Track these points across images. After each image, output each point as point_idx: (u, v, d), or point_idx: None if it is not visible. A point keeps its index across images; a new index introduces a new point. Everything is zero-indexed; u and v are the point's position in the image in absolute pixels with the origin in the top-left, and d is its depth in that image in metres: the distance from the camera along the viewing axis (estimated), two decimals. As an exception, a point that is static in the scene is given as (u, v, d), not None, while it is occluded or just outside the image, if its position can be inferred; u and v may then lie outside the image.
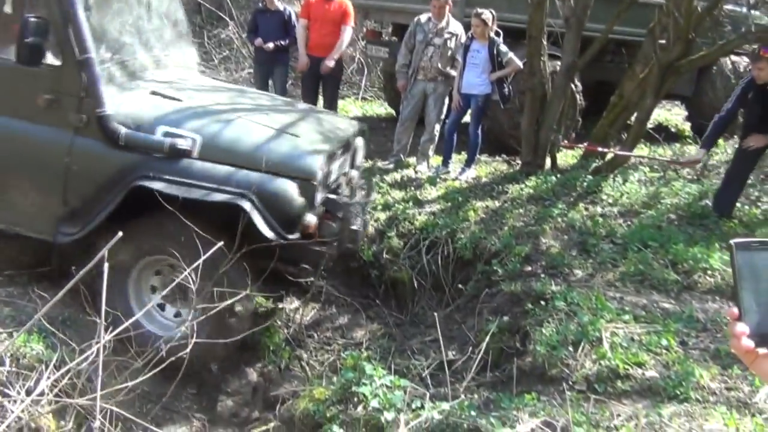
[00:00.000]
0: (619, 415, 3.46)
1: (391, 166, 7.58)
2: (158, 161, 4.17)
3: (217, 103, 4.78)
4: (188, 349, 3.46)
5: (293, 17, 8.27)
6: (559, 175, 7.16)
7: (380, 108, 11.51)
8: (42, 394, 2.94)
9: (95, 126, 4.17)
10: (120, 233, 2.73)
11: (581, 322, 4.30)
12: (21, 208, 4.40)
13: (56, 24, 4.11)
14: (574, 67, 7.39)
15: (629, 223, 6.03)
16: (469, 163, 7.60)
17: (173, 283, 3.28)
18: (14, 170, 4.35)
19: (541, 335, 4.31)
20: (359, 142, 5.34)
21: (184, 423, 4.34)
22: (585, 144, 7.89)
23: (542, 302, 4.69)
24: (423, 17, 7.50)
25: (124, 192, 4.13)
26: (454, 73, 7.48)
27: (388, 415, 3.57)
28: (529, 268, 5.31)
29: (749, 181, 6.55)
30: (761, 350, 1.25)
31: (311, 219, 4.27)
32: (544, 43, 7.22)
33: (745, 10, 9.78)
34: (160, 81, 4.73)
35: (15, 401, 3.02)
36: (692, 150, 8.91)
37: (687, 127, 11.25)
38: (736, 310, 1.27)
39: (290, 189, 4.22)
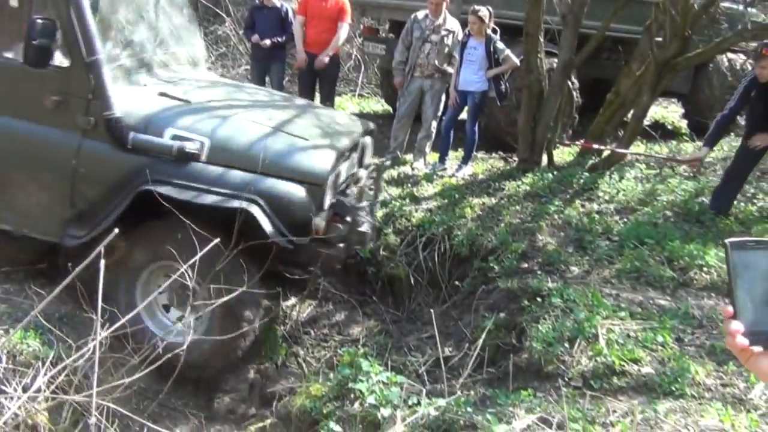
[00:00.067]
0: (614, 411, 3.47)
1: (388, 162, 7.58)
2: (166, 164, 4.14)
3: (225, 104, 4.74)
4: (183, 347, 3.45)
5: (290, 14, 8.26)
6: (555, 172, 7.16)
7: (377, 105, 11.52)
8: (38, 390, 2.94)
9: (103, 128, 4.14)
10: (116, 230, 2.73)
11: (577, 318, 4.31)
12: (28, 209, 4.38)
13: (64, 25, 4.08)
14: (570, 65, 7.39)
15: (625, 220, 6.04)
16: (465, 160, 7.61)
17: (170, 279, 3.26)
18: (22, 172, 4.34)
19: (537, 332, 4.32)
20: (367, 141, 5.33)
21: (180, 420, 4.34)
22: (582, 141, 7.88)
23: (538, 299, 4.70)
24: (420, 14, 7.51)
25: (132, 196, 4.10)
26: (451, 70, 7.48)
27: (385, 412, 3.58)
28: (526, 265, 5.32)
29: (745, 179, 6.56)
30: (756, 348, 1.26)
31: (320, 222, 4.25)
32: (541, 40, 7.21)
33: (741, 7, 9.78)
34: (169, 81, 4.71)
35: (11, 398, 3.02)
36: (689, 147, 8.94)
37: (684, 124, 11.27)
38: (731, 308, 1.28)
39: (299, 193, 4.20)
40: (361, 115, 9.75)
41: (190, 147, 4.15)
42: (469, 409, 3.52)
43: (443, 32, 7.41)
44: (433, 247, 5.91)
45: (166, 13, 5.06)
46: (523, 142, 7.41)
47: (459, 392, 3.90)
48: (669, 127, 11.63)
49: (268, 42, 8.08)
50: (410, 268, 5.86)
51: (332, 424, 3.63)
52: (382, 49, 9.60)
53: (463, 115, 7.72)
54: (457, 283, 5.69)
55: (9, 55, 4.57)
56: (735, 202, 6.26)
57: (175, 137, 4.20)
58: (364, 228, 4.69)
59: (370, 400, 3.67)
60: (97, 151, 4.22)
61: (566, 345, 4.13)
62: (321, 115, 5.27)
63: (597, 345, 4.04)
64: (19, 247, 4.66)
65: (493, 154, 8.44)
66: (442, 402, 3.59)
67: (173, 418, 4.33)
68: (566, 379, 3.90)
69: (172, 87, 4.61)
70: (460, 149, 7.87)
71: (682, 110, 11.49)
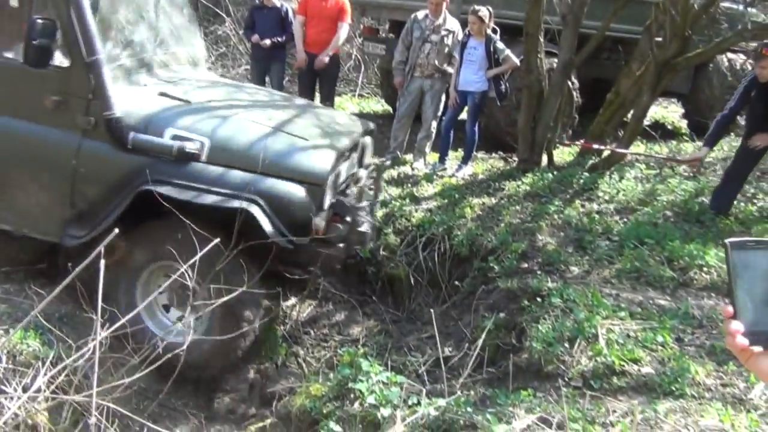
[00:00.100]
0: (614, 411, 3.47)
1: (388, 162, 7.58)
2: (166, 164, 4.13)
3: (225, 104, 4.74)
4: (183, 347, 3.45)
5: (290, 14, 8.26)
6: (555, 172, 7.17)
7: (377, 105, 11.52)
8: (38, 390, 2.94)
9: (103, 128, 4.14)
10: (116, 231, 2.73)
11: (577, 318, 4.31)
12: (28, 209, 4.38)
13: (64, 25, 4.07)
14: (571, 65, 7.39)
15: (625, 220, 6.04)
16: (465, 160, 7.61)
17: (170, 279, 3.26)
18: (22, 172, 4.33)
19: (537, 332, 4.32)
20: (367, 140, 5.33)
21: (180, 420, 4.34)
22: (581, 141, 7.88)
23: (538, 299, 4.70)
24: (420, 14, 7.51)
25: (132, 196, 4.10)
26: (451, 70, 7.48)
27: (385, 412, 3.58)
28: (526, 265, 5.32)
29: (745, 178, 6.56)
30: (756, 348, 1.26)
31: (320, 222, 4.25)
32: (541, 40, 7.21)
33: (741, 7, 9.78)
34: (169, 81, 4.71)
35: (11, 398, 3.02)
36: (689, 147, 8.94)
37: (683, 124, 11.27)
38: (731, 308, 1.28)
39: (299, 193, 4.20)
40: (361, 115, 9.75)
41: (190, 147, 4.15)
42: (469, 409, 3.52)
43: (443, 32, 7.42)
44: (433, 247, 5.91)
45: (167, 12, 5.06)
46: (523, 142, 7.41)
47: (459, 392, 3.90)
48: (669, 127, 11.63)
49: (268, 42, 8.08)
50: (410, 268, 5.86)
51: (332, 424, 3.64)
52: (382, 49, 9.60)
53: (463, 115, 7.72)
54: (457, 283, 5.69)
55: (9, 54, 4.57)
56: (735, 202, 6.26)
57: (175, 137, 4.19)
58: (364, 228, 4.68)
59: (370, 400, 3.67)
60: (97, 151, 4.21)
61: (566, 345, 4.13)
62: (321, 115, 5.27)
63: (597, 345, 4.05)
64: (19, 247, 4.66)
65: (493, 154, 8.44)
66: (442, 402, 3.59)
67: (173, 418, 4.33)
68: (566, 379, 3.90)
69: (172, 87, 4.61)
70: (460, 149, 7.88)
71: (682, 110, 11.49)
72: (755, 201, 6.51)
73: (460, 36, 7.43)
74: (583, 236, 5.64)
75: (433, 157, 7.82)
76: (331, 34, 7.91)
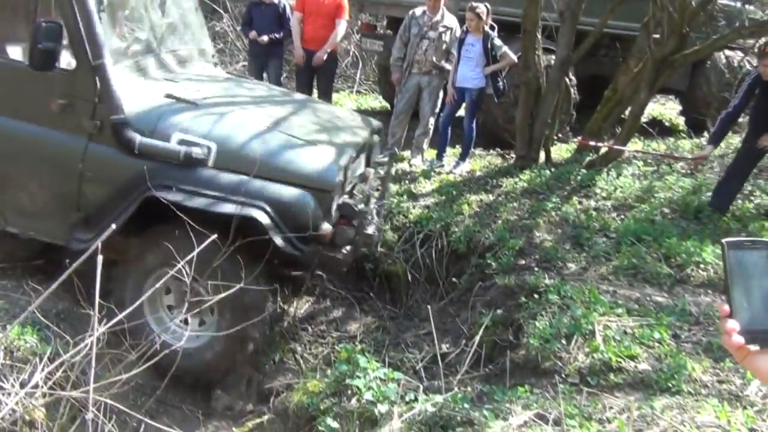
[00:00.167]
0: (611, 408, 3.48)
1: (385, 159, 7.56)
2: (173, 169, 4.10)
3: (231, 106, 4.69)
4: (182, 342, 3.46)
5: (288, 10, 8.25)
6: (553, 169, 7.17)
7: (375, 101, 11.51)
8: (36, 386, 2.94)
9: (109, 132, 4.11)
10: (114, 226, 2.73)
11: (574, 315, 4.31)
12: (35, 212, 4.37)
13: (70, 28, 4.03)
14: (568, 61, 7.39)
15: (623, 216, 6.05)
16: (463, 156, 7.61)
17: (168, 275, 3.26)
18: (28, 174, 4.31)
19: (534, 328, 4.33)
20: (375, 140, 5.31)
21: (178, 416, 4.34)
22: (579, 138, 7.88)
23: (536, 295, 4.71)
24: (418, 10, 7.50)
25: (138, 201, 4.07)
26: (448, 66, 7.47)
27: (382, 408, 3.58)
28: (523, 262, 5.33)
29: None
30: (752, 347, 1.27)
31: (327, 228, 4.24)
32: (539, 36, 7.22)
33: (739, 4, 9.80)
34: (176, 80, 4.68)
35: (9, 394, 3.02)
36: (686, 144, 8.94)
37: (681, 121, 11.28)
38: (727, 307, 1.29)
39: (306, 200, 4.16)
40: (359, 112, 9.74)
41: (197, 152, 4.11)
42: (466, 406, 3.52)
43: (441, 29, 7.41)
44: (430, 244, 5.92)
45: (174, 8, 5.04)
46: (521, 139, 7.41)
47: (456, 389, 3.91)
48: (666, 124, 11.64)
49: (265, 38, 8.07)
50: (408, 265, 5.87)
51: (329, 421, 3.64)
52: (379, 46, 9.58)
53: (461, 112, 7.72)
54: (454, 279, 5.70)
55: (15, 54, 4.54)
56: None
57: (181, 142, 4.16)
58: (371, 230, 4.67)
59: (368, 396, 3.67)
60: (104, 155, 4.18)
61: (563, 342, 4.13)
62: (330, 116, 5.22)
63: (594, 342, 4.05)
64: (17, 243, 4.66)
65: (491, 151, 8.44)
66: (439, 398, 3.59)
67: (171, 414, 4.33)
68: (563, 376, 3.91)
69: (179, 87, 4.57)
70: (457, 146, 7.87)
71: (680, 107, 11.49)
72: (752, 198, 6.53)
73: (458, 33, 7.42)
74: (580, 233, 5.65)
75: (430, 153, 7.82)
76: (329, 31, 7.90)
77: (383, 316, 5.61)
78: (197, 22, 5.45)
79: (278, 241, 4.03)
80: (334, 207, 4.37)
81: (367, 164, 5.21)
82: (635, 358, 3.92)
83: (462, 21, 7.45)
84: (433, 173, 7.21)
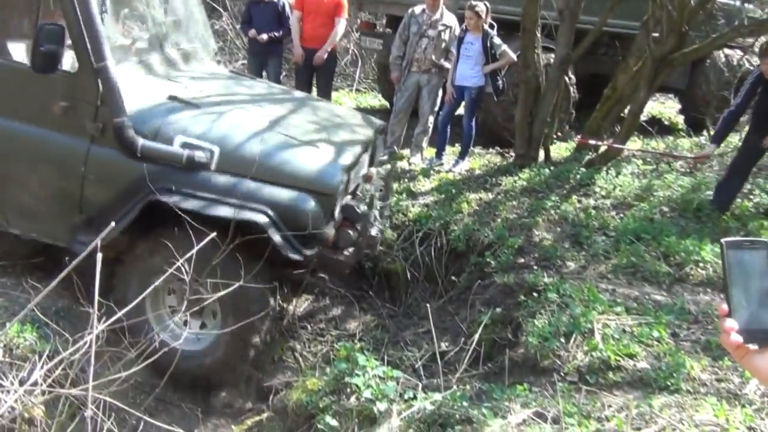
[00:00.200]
0: (610, 406, 3.48)
1: (385, 158, 7.57)
2: (175, 173, 4.08)
3: (234, 107, 4.65)
4: (181, 340, 3.46)
5: (287, 8, 8.25)
6: (552, 168, 7.18)
7: (374, 100, 11.52)
8: (35, 384, 2.94)
9: (112, 135, 4.08)
10: (113, 223, 2.72)
11: (573, 313, 4.31)
12: (37, 214, 4.35)
13: (72, 31, 4.00)
14: (567, 60, 7.39)
15: (622, 215, 6.05)
16: (462, 155, 7.61)
17: (167, 273, 3.26)
18: (30, 176, 4.29)
19: (533, 327, 4.33)
20: (379, 139, 5.29)
21: (177, 414, 4.34)
22: (578, 137, 7.89)
23: (535, 294, 4.71)
24: (417, 9, 7.50)
25: (141, 205, 4.04)
26: (448, 65, 7.48)
27: (381, 406, 3.58)
28: (522, 260, 5.33)
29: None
30: (751, 346, 1.28)
31: (329, 232, 4.23)
32: (538, 35, 7.22)
33: (738, 3, 9.81)
34: (178, 80, 4.66)
35: (8, 391, 3.02)
36: (685, 143, 8.95)
37: (680, 119, 11.28)
38: (726, 306, 1.30)
39: (309, 204, 4.14)
40: (358, 110, 9.74)
41: (200, 156, 4.09)
42: (464, 404, 3.52)
43: (440, 27, 7.41)
44: (429, 242, 5.92)
45: (177, 5, 5.02)
46: (520, 138, 7.42)
47: (455, 387, 3.91)
48: (666, 122, 11.64)
49: (265, 37, 8.06)
50: (407, 263, 5.87)
51: (328, 418, 3.64)
52: (379, 44, 9.58)
53: (460, 111, 7.72)
54: (453, 278, 5.70)
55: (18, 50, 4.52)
56: (730, 198, 6.28)
57: (184, 145, 4.13)
58: (374, 232, 4.65)
59: (367, 394, 3.67)
60: (106, 158, 4.15)
61: (562, 340, 4.13)
62: (333, 117, 5.20)
63: (593, 340, 4.06)
64: (17, 241, 4.66)
65: (490, 150, 8.44)
66: (438, 396, 3.60)
67: (170, 412, 4.33)
68: (562, 374, 3.91)
69: (182, 88, 4.55)
70: (457, 144, 7.88)
71: (679, 106, 11.50)
72: (751, 197, 6.53)
73: (457, 31, 7.43)
74: (579, 231, 5.65)
75: (430, 152, 7.83)
76: (328, 29, 7.90)
77: (382, 315, 5.61)
78: (200, 18, 5.43)
79: (280, 245, 4.01)
80: (337, 210, 4.36)
81: (371, 164, 5.19)
82: (634, 356, 3.93)
83: (461, 19, 7.45)
84: (432, 172, 7.21)
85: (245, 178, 4.12)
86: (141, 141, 4.07)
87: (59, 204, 4.30)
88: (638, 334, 4.12)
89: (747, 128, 6.52)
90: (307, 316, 5.48)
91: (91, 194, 4.21)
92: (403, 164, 7.43)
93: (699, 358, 3.90)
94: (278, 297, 5.11)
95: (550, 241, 5.52)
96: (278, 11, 8.21)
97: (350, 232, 4.45)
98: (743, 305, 1.29)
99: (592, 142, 7.30)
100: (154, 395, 4.18)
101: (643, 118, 8.29)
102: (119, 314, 2.88)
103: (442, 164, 7.52)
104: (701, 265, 5.07)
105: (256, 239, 3.97)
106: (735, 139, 7.60)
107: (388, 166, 5.44)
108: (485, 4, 7.16)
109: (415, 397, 3.64)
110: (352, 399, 3.71)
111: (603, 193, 6.55)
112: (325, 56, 7.91)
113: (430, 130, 7.77)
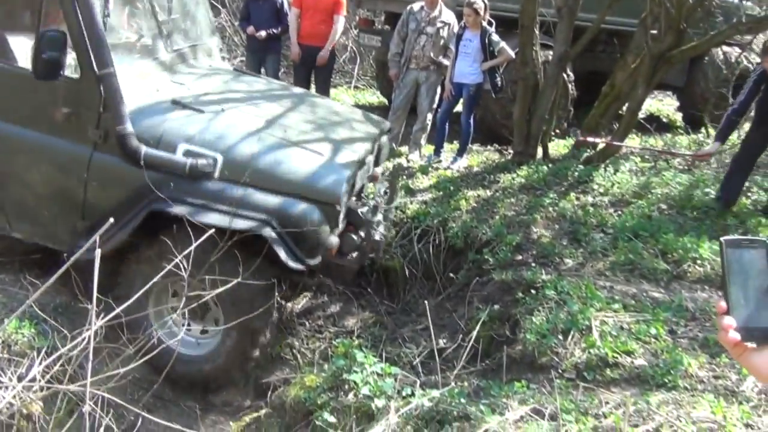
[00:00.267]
0: (607, 403, 3.49)
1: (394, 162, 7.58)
2: (178, 181, 4.03)
3: (238, 112, 4.58)
4: (178, 337, 3.46)
5: (285, 5, 8.25)
6: (550, 165, 7.18)
7: (372, 97, 11.51)
8: (33, 380, 2.94)
9: (114, 142, 4.03)
10: (111, 219, 2.72)
11: (571, 310, 4.32)
12: (39, 219, 4.34)
13: (75, 38, 3.96)
14: (566, 57, 7.39)
15: (620, 212, 6.05)
16: (460, 152, 7.62)
17: (164, 271, 3.25)
18: (32, 181, 4.27)
19: (531, 324, 4.34)
20: (384, 140, 5.27)
21: (175, 411, 4.35)
22: (578, 134, 7.89)
23: (533, 291, 4.71)
24: (416, 6, 7.50)
25: (144, 213, 4.02)
26: (446, 62, 7.48)
27: (379, 403, 3.59)
28: (520, 257, 5.33)
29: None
30: (749, 344, 1.29)
31: (333, 240, 4.22)
32: (537, 32, 7.21)
33: (736, 0, 9.80)
34: (182, 81, 4.63)
35: (6, 387, 3.02)
36: (683, 140, 8.95)
37: (678, 117, 11.29)
38: (724, 304, 1.31)
39: (313, 214, 4.10)
40: (357, 107, 9.74)
41: (203, 164, 4.05)
42: (462, 401, 3.53)
43: (439, 24, 7.42)
44: (428, 239, 5.92)
45: (181, 3, 5.01)
46: (518, 135, 7.42)
47: (453, 383, 3.92)
48: (664, 119, 11.65)
49: (263, 33, 8.06)
50: (405, 260, 5.87)
51: (326, 415, 3.65)
52: (377, 41, 9.59)
53: (459, 108, 7.72)
54: (451, 275, 5.71)
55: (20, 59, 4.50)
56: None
57: (187, 153, 4.09)
58: (378, 237, 4.65)
59: (365, 391, 3.68)
60: (109, 165, 4.12)
61: (560, 337, 4.14)
62: (339, 119, 5.15)
63: (590, 337, 4.06)
64: (16, 238, 4.66)
65: (489, 147, 8.45)
66: (435, 393, 3.60)
67: (168, 408, 4.33)
68: (559, 371, 3.92)
69: (185, 90, 4.51)
70: (455, 141, 7.88)
71: (677, 103, 11.50)
72: (750, 194, 6.53)
73: (456, 28, 7.43)
74: (577, 229, 5.66)
75: (428, 149, 7.83)
76: (327, 27, 7.90)
77: (380, 312, 5.61)
78: (205, 14, 5.41)
79: (285, 258, 3.99)
80: (341, 217, 4.33)
81: (376, 164, 5.18)
82: (632, 353, 3.94)
83: (460, 16, 7.45)
84: (430, 169, 7.21)
85: (248, 187, 4.07)
86: (144, 149, 4.02)
87: (61, 210, 4.28)
88: (636, 331, 4.13)
89: (748, 125, 6.53)
90: (305, 312, 5.48)
91: (94, 201, 4.19)
92: (401, 161, 7.43)
93: (696, 356, 3.91)
94: (277, 294, 5.13)
95: (548, 239, 5.53)
96: (277, 8, 8.20)
97: (354, 237, 4.44)
98: (742, 303, 1.30)
99: (590, 139, 7.29)
100: (152, 392, 4.18)
101: (641, 115, 8.32)
102: (117, 310, 2.89)
103: (440, 161, 7.52)
104: (699, 262, 5.08)
105: (256, 239, 3.97)
106: (734, 137, 7.59)
107: (395, 167, 5.40)
108: (483, 2, 7.16)
109: (413, 394, 3.65)
110: (350, 396, 3.72)
111: (601, 190, 6.55)
112: (327, 55, 7.92)
113: (429, 128, 7.77)
